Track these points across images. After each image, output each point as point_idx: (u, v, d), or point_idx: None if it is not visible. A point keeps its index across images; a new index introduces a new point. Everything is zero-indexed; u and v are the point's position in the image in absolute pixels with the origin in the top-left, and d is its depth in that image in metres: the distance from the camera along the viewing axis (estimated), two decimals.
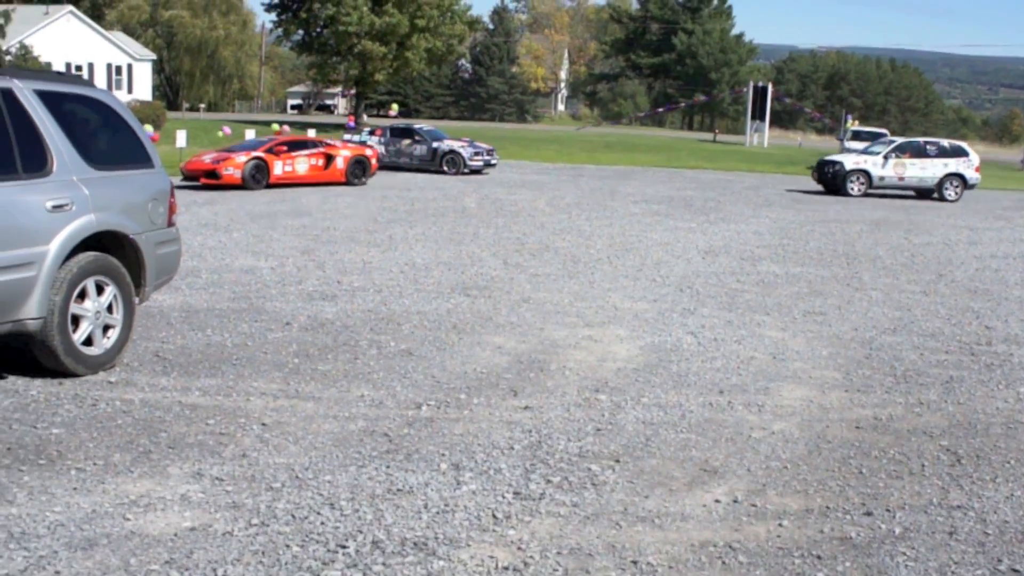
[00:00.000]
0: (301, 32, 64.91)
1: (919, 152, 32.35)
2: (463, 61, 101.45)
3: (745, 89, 74.86)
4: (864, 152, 33.98)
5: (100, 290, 7.99)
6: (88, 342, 7.91)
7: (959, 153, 32.65)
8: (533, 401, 7.50)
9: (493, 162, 35.23)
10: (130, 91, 56.27)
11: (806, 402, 7.84)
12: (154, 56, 63.53)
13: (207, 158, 26.12)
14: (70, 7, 54.31)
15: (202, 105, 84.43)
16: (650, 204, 25.25)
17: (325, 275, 13.19)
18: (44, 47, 48.21)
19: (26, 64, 43.47)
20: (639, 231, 19.42)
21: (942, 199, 31.54)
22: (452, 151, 34.49)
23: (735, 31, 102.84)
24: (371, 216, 20.48)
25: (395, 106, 54.58)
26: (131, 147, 8.67)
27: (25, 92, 7.65)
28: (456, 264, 14.50)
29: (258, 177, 25.96)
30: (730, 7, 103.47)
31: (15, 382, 7.66)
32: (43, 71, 10.17)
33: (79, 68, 53.22)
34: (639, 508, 5.57)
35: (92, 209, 7.82)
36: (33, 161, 7.56)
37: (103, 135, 8.49)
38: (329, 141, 29.96)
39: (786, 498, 5.85)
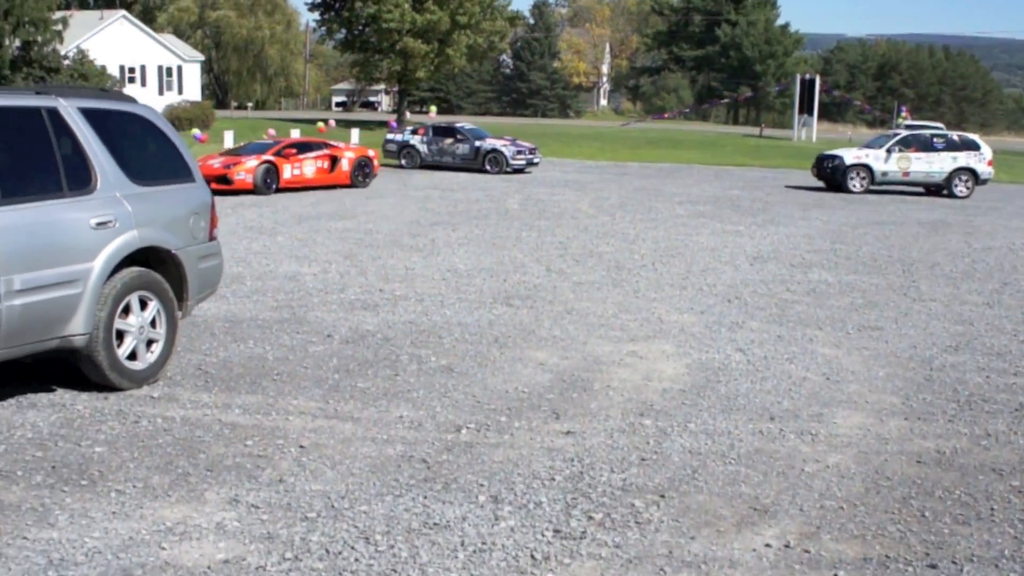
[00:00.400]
0: (344, 31, 65.17)
1: (925, 145, 31.16)
2: (504, 56, 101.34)
3: (788, 83, 74.29)
4: (866, 146, 32.95)
5: (144, 305, 8.00)
6: (132, 357, 7.93)
7: (970, 146, 31.36)
8: (575, 425, 7.39)
9: (536, 161, 35.14)
10: (180, 92, 56.68)
11: (863, 431, 7.55)
12: (202, 57, 63.96)
13: (216, 162, 25.49)
14: (123, 12, 54.84)
15: (249, 104, 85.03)
16: (696, 205, 25.04)
17: (367, 282, 13.16)
18: (99, 51, 48.64)
19: (83, 67, 43.90)
20: (685, 235, 19.26)
21: (951, 195, 30.42)
22: (494, 150, 34.43)
23: (780, 21, 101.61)
24: (414, 218, 20.45)
25: (433, 108, 54.56)
26: (172, 162, 8.66)
27: (70, 110, 7.66)
28: (498, 271, 14.42)
29: (269, 182, 25.49)
30: None
31: (63, 396, 7.68)
32: (86, 88, 10.18)
33: (132, 70, 53.70)
34: (684, 551, 5.38)
35: (135, 225, 7.82)
36: (77, 179, 7.58)
37: (145, 151, 8.49)
38: (332, 143, 29.36)
39: (842, 544, 5.57)
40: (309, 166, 26.80)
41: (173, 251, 8.25)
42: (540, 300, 12.28)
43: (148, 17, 69.97)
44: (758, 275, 14.81)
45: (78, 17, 52.29)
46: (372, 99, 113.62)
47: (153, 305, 8.07)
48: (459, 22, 61.58)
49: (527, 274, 14.22)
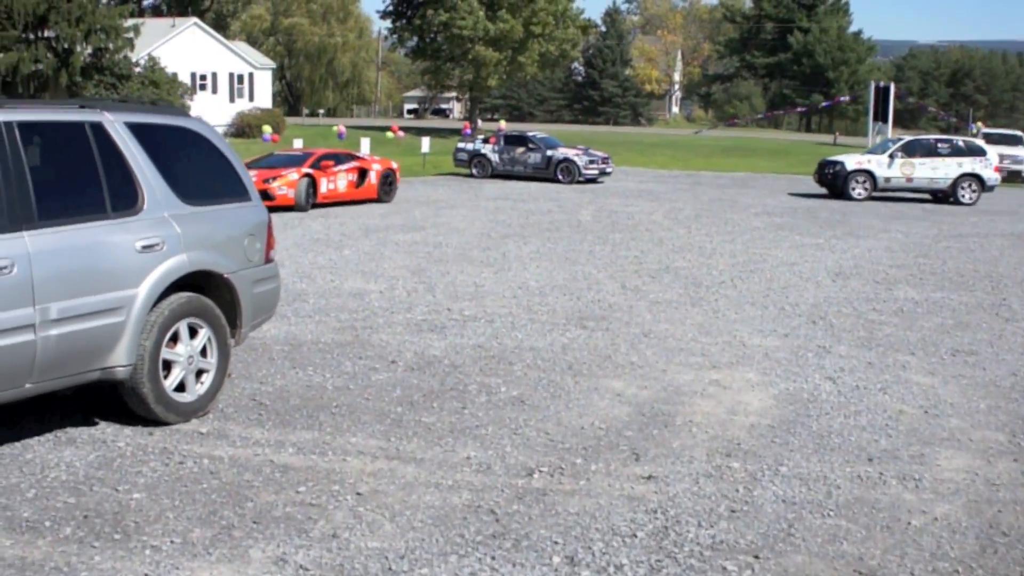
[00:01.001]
0: (415, 38, 65.07)
1: (929, 151, 30.07)
2: (576, 64, 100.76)
3: (858, 92, 72.77)
4: (869, 152, 31.90)
5: (193, 333, 7.50)
6: (180, 388, 7.43)
7: (975, 152, 30.23)
8: (657, 468, 6.74)
9: (608, 170, 34.51)
10: (251, 99, 56.78)
11: (970, 475, 6.82)
12: (274, 64, 64.14)
13: (251, 174, 23.54)
14: (195, 19, 55.04)
15: (321, 111, 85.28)
16: (772, 216, 24.25)
17: (435, 300, 12.61)
18: (170, 58, 48.83)
19: (153, 74, 44.06)
20: (763, 248, 18.52)
21: (957, 202, 29.31)
22: (567, 159, 33.83)
23: (852, 28, 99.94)
24: (484, 231, 19.90)
25: (503, 123, 54.15)
26: (227, 179, 8.16)
27: (116, 125, 7.19)
28: (571, 288, 13.80)
29: (310, 197, 23.54)
30: (847, 3, 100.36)
31: (105, 430, 7.20)
32: (134, 101, 9.72)
33: (203, 78, 53.86)
34: None
35: (184, 248, 7.32)
36: (123, 199, 7.10)
37: (197, 168, 7.99)
38: (357, 154, 27.99)
39: None
40: (342, 180, 24.86)
41: (226, 275, 7.74)
42: (616, 321, 11.65)
43: (221, 24, 70.41)
44: (841, 293, 14.04)
45: (150, 25, 52.55)
46: (443, 106, 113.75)
47: (203, 333, 7.56)
48: (532, 31, 61.16)
49: (601, 291, 13.60)
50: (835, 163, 30.69)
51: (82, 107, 7.24)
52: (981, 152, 30.24)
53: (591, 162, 33.72)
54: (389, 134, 41.77)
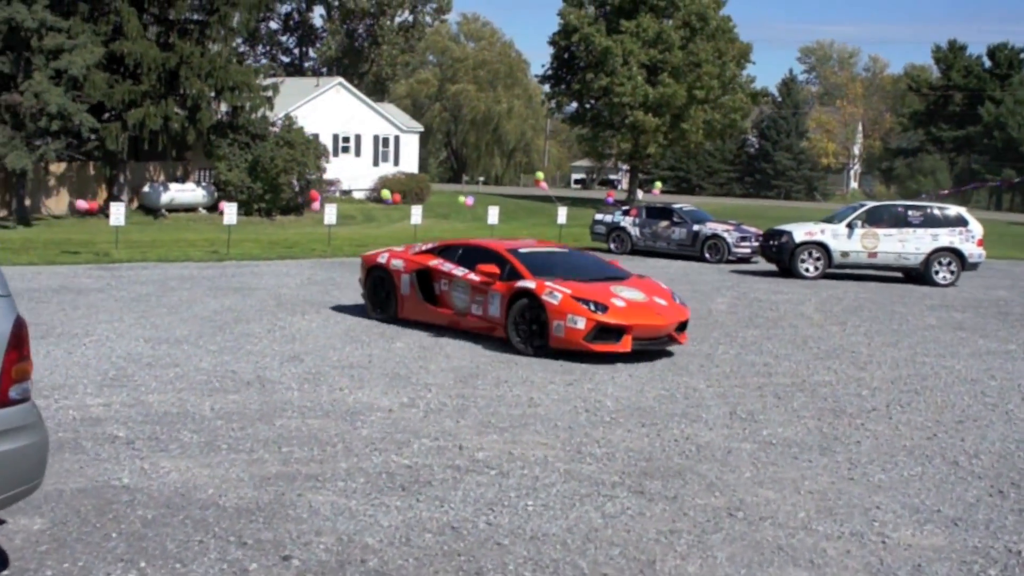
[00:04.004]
0: (574, 103, 62.11)
1: (897, 220, 24.87)
2: (749, 136, 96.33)
3: None
4: (824, 220, 26.41)
5: None
6: None
7: (954, 222, 24.92)
8: None
9: None
10: (396, 163, 54.42)
11: None
12: (421, 128, 61.78)
13: (382, 257, 16.02)
14: (339, 79, 53.07)
15: (481, 178, 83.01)
16: (951, 311, 19.83)
17: (455, 428, 9.04)
18: (312, 118, 46.81)
19: (289, 134, 42.01)
20: (935, 356, 14.39)
21: (930, 283, 24.30)
22: (715, 235, 29.94)
23: None
24: None
25: (659, 184, 50.40)
26: None
27: None
28: (657, 413, 10.08)
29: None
30: None
31: None
32: None
33: (346, 140, 51.78)
34: None
35: None
36: None
37: None
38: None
39: None
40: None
41: None
42: (694, 481, 7.87)
43: (381, 88, 68.66)
44: None
45: (293, 84, 50.71)
46: (612, 177, 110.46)
47: None
48: (696, 97, 57.48)
49: (696, 422, 9.82)
50: (780, 233, 25.71)
51: None
52: (962, 222, 24.97)
53: (743, 239, 29.70)
54: (461, 198, 38.75)
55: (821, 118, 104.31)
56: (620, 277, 14.62)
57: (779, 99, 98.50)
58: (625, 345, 12.91)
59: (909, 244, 24.61)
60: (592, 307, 12.93)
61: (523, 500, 7.19)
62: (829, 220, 26.17)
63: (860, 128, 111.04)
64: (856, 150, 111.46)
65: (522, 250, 14.89)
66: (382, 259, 15.81)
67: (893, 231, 24.71)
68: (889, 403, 11.14)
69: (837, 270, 25.32)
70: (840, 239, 24.82)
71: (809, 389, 11.75)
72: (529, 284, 13.46)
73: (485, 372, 11.92)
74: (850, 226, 24.83)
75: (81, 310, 15.66)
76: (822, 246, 24.92)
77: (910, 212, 25.23)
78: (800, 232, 25.35)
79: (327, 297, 18.15)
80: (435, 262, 15.16)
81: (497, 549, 6.22)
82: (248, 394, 10.25)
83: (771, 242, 25.93)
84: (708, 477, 7.99)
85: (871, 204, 26.59)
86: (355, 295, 18.48)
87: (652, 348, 13.43)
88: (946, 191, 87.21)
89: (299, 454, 8.07)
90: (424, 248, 15.92)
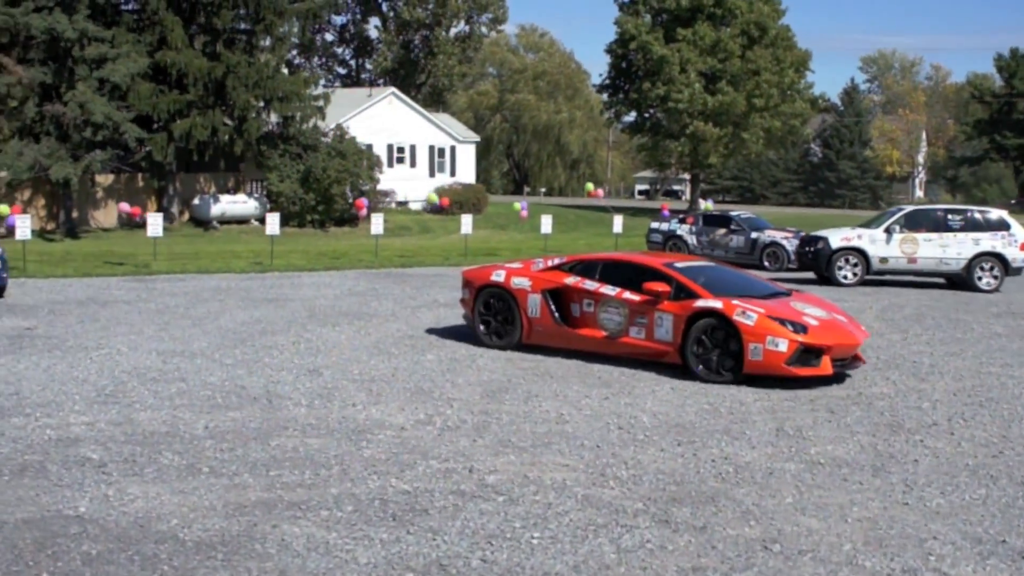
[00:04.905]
0: (633, 113, 61.20)
1: (937, 224, 23.55)
2: (813, 145, 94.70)
3: None
4: (861, 225, 25.09)
5: None
6: None
7: (996, 226, 23.48)
8: None
9: None
10: (452, 173, 53.69)
11: None
12: (477, 138, 61.04)
13: (498, 275, 14.06)
14: (392, 89, 52.43)
15: (542, 189, 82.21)
16: (1019, 319, 18.64)
17: (471, 448, 8.24)
18: (364, 129, 46.26)
19: (341, 144, 41.51)
20: (1001, 366, 13.34)
21: (973, 288, 22.92)
22: (774, 243, 28.89)
23: None
24: None
25: (708, 206, 49.45)
26: None
27: None
28: (697, 430, 9.20)
29: None
30: None
31: None
32: None
33: (401, 149, 51.19)
34: None
35: None
36: None
37: None
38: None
39: None
40: None
41: None
42: (729, 508, 7.00)
43: (437, 99, 68.07)
44: None
45: (346, 94, 50.10)
46: (676, 187, 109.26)
47: None
48: (755, 105, 56.37)
49: (738, 439, 8.94)
50: (816, 239, 24.56)
51: None
52: (1004, 226, 23.58)
53: None
54: (516, 205, 37.97)
55: (884, 126, 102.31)
56: (785, 293, 13.22)
57: (841, 108, 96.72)
58: (826, 367, 11.69)
59: (950, 249, 23.47)
60: (791, 327, 11.66)
61: (529, 531, 6.36)
62: (867, 225, 25.10)
63: (924, 136, 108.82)
64: (920, 158, 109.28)
65: (679, 264, 13.24)
66: (498, 277, 13.83)
67: (933, 236, 23.57)
68: (951, 417, 10.18)
69: (876, 276, 24.22)
70: (878, 244, 23.74)
71: (865, 402, 10.82)
72: (714, 304, 11.92)
73: (516, 386, 11.12)
74: (888, 231, 23.75)
75: (100, 322, 15.07)
76: (860, 252, 23.85)
77: (950, 216, 24.02)
78: (837, 238, 24.30)
79: (364, 308, 17.43)
80: (572, 280, 13.35)
81: None
82: (250, 411, 9.52)
83: (807, 248, 24.94)
84: (744, 503, 7.12)
85: (909, 208, 25.48)
86: (393, 305, 17.78)
87: (841, 371, 12.14)
88: (1014, 200, 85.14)
89: (287, 478, 7.31)
90: (551, 264, 13.96)
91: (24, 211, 31.12)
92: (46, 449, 7.99)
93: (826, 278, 24.06)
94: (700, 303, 12.03)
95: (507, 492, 7.17)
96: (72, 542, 5.95)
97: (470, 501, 6.94)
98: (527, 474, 7.63)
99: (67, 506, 6.63)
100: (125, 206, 32.21)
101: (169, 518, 6.39)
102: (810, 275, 25.41)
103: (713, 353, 11.87)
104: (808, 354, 11.62)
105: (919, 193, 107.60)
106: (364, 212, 35.52)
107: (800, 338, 11.56)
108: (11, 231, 23.00)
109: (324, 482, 7.26)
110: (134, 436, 8.44)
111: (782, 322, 11.67)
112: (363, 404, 9.93)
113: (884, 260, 23.70)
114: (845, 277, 23.89)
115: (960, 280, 23.63)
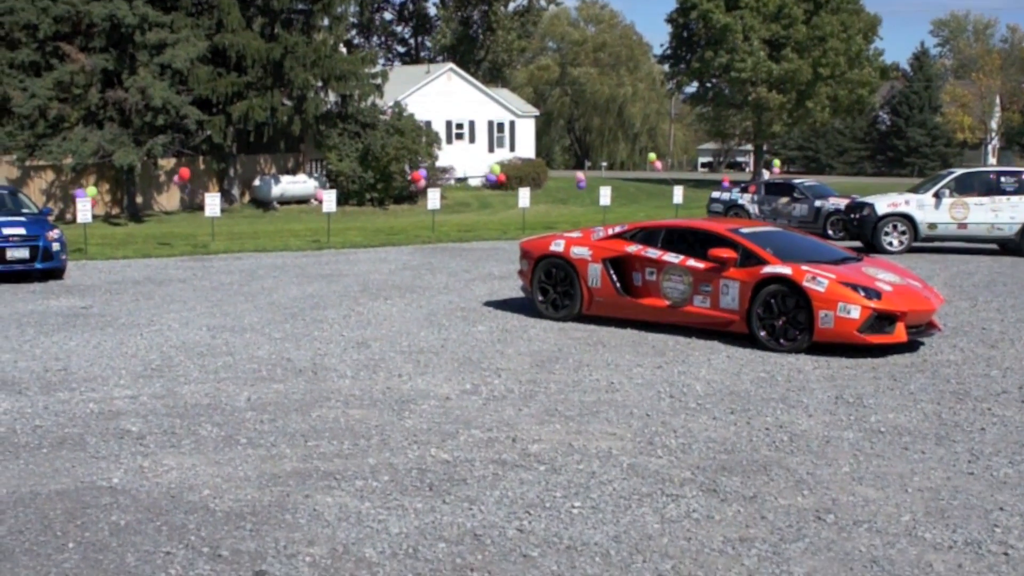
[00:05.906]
0: (695, 83, 60.48)
1: (989, 187, 22.34)
2: (881, 113, 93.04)
3: None
4: (910, 190, 23.97)
5: None
6: None
7: None
8: None
9: None
10: (512, 148, 53.37)
11: None
12: (537, 112, 60.56)
13: (557, 244, 13.71)
14: (450, 65, 52.16)
15: (604, 163, 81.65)
16: None
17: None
18: (423, 105, 46.16)
19: (399, 122, 41.36)
20: None
21: None
22: (838, 210, 28.27)
23: None
24: None
25: (777, 163, 48.58)
26: None
27: None
28: (752, 398, 8.87)
29: None
30: None
31: None
32: None
33: (459, 126, 50.97)
34: None
35: None
36: None
37: None
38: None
39: None
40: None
41: None
42: (780, 476, 6.70)
43: (497, 75, 67.77)
44: None
45: (403, 71, 49.93)
46: (740, 159, 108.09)
47: None
48: (821, 73, 55.35)
49: (794, 407, 8.61)
50: (863, 206, 23.59)
51: None
52: None
53: None
54: (579, 174, 37.66)
55: (956, 92, 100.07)
56: (856, 258, 12.74)
57: (911, 74, 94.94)
58: (900, 335, 11.26)
59: (1003, 213, 22.31)
60: (864, 293, 11.25)
61: (570, 501, 6.11)
62: (916, 190, 24.23)
63: (998, 101, 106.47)
64: (994, 124, 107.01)
65: (745, 230, 12.78)
66: (557, 247, 13.48)
67: (984, 200, 22.46)
68: (1022, 385, 9.77)
69: (924, 243, 23.30)
70: (927, 210, 22.74)
71: (930, 369, 10.42)
72: (783, 270, 11.49)
73: (567, 355, 10.87)
74: (937, 196, 22.73)
75: (154, 300, 15.03)
76: (907, 218, 22.89)
77: (1003, 178, 22.95)
78: (883, 204, 23.46)
79: (418, 282, 17.25)
80: (634, 248, 12.95)
81: (521, 563, 5.16)
82: (295, 383, 9.36)
83: (852, 215, 24.01)
84: (798, 472, 6.81)
85: (960, 171, 24.25)
86: (447, 278, 17.59)
87: (916, 338, 11.70)
88: None
89: (325, 448, 7.13)
90: (612, 232, 13.53)
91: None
92: (87, 422, 7.89)
93: (871, 246, 23.11)
94: (768, 269, 11.61)
95: (550, 461, 6.93)
96: (102, 512, 5.82)
97: (511, 470, 6.71)
98: (572, 443, 7.38)
99: (101, 477, 6.51)
100: (183, 173, 32.37)
101: (201, 488, 6.24)
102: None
103: (778, 320, 11.47)
104: (882, 321, 11.18)
105: (992, 160, 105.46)
106: (422, 183, 35.26)
107: (873, 304, 11.11)
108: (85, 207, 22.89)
109: (362, 452, 7.07)
110: (176, 409, 8.32)
111: (854, 288, 11.22)
112: (409, 375, 9.74)
113: (933, 226, 22.77)
114: (891, 244, 22.98)
115: (1014, 246, 22.57)
